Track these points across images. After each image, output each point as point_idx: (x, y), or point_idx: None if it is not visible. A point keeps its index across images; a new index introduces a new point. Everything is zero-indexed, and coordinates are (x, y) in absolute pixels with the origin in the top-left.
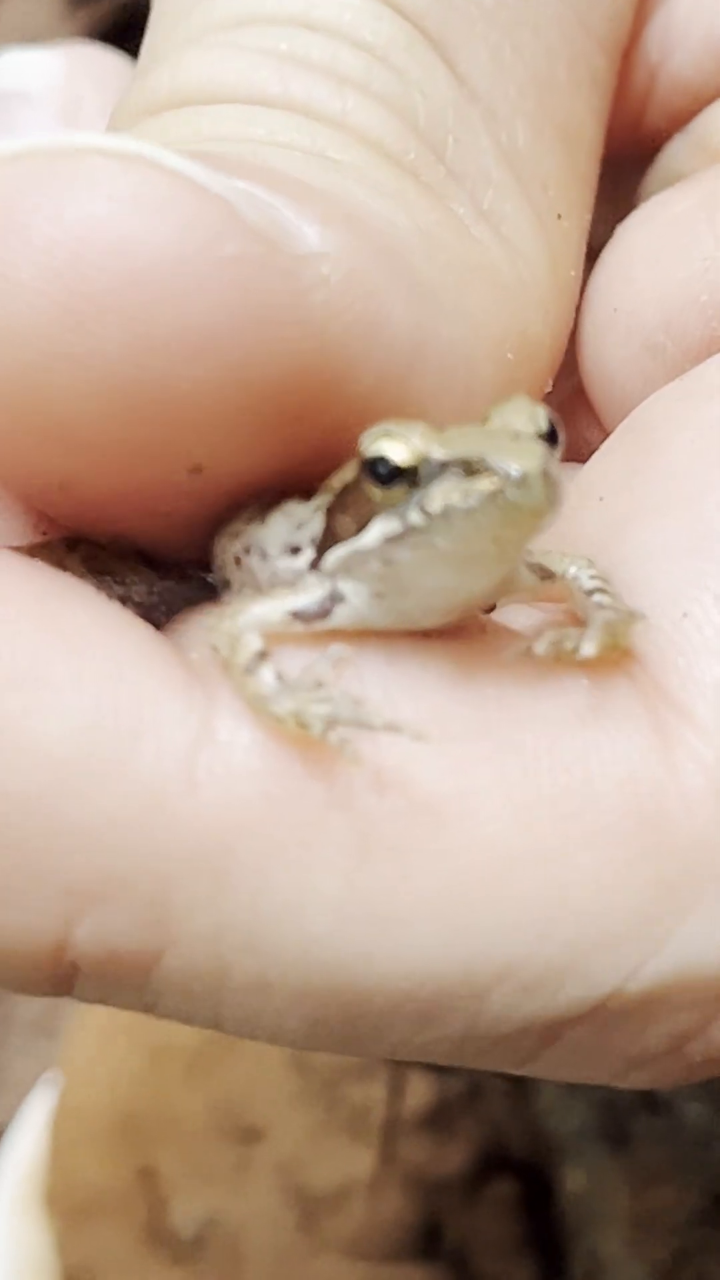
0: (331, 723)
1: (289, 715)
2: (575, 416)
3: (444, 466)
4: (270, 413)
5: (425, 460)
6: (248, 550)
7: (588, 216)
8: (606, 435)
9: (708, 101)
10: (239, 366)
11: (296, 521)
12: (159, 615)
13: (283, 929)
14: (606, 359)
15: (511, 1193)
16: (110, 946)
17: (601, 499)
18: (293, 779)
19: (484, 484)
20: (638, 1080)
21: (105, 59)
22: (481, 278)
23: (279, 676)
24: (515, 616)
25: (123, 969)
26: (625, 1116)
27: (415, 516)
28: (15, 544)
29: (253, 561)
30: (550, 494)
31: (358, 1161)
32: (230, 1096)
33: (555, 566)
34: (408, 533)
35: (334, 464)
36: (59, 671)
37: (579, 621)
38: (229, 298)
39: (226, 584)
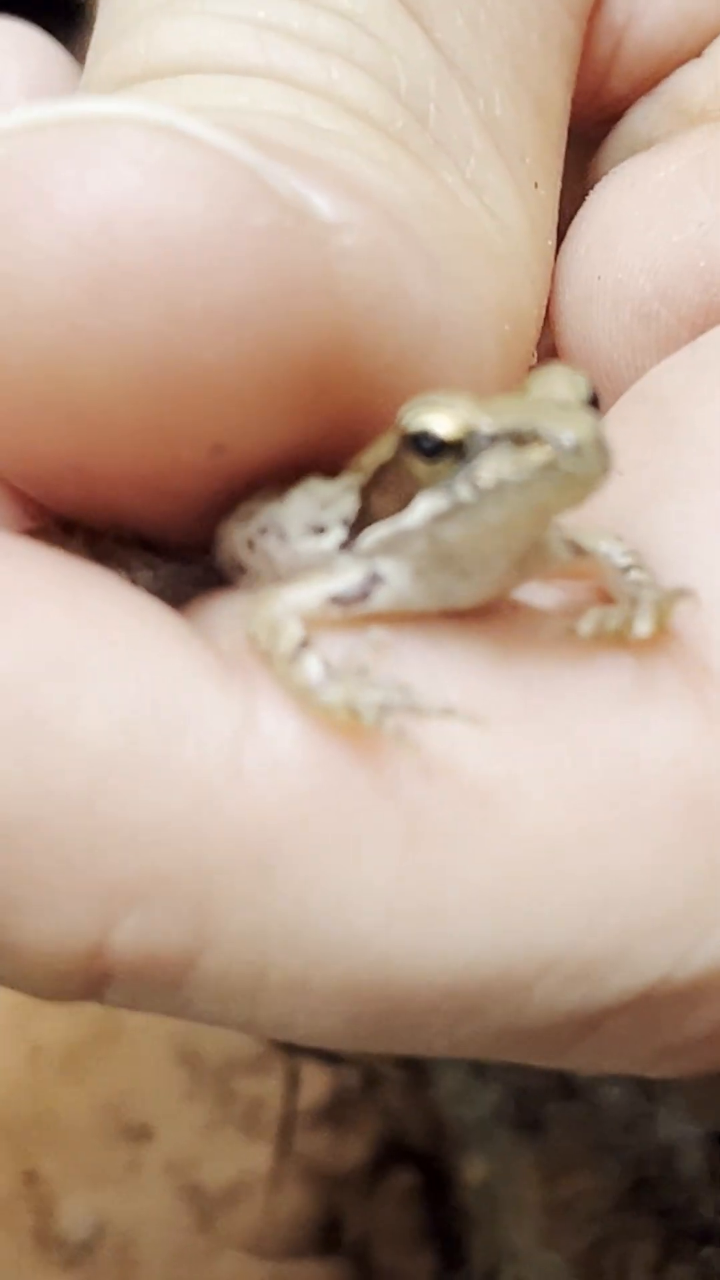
0: (384, 711)
1: (339, 704)
2: None
3: (493, 439)
4: (295, 388)
5: (473, 433)
6: (264, 531)
7: (559, 185)
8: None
9: (675, 65)
10: (268, 340)
11: (321, 501)
12: (164, 601)
13: (328, 925)
14: (592, 328)
15: (411, 1184)
16: (149, 948)
17: (621, 473)
18: (340, 769)
19: (537, 455)
20: (667, 1069)
21: (23, 32)
22: (478, 249)
23: (325, 665)
24: (537, 595)
25: (160, 971)
26: (538, 1103)
27: (465, 492)
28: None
29: (269, 544)
30: (604, 461)
31: (253, 1157)
32: (115, 1095)
33: (587, 543)
34: (456, 509)
35: (350, 442)
36: (97, 662)
37: (606, 599)
38: (260, 269)
39: (239, 569)
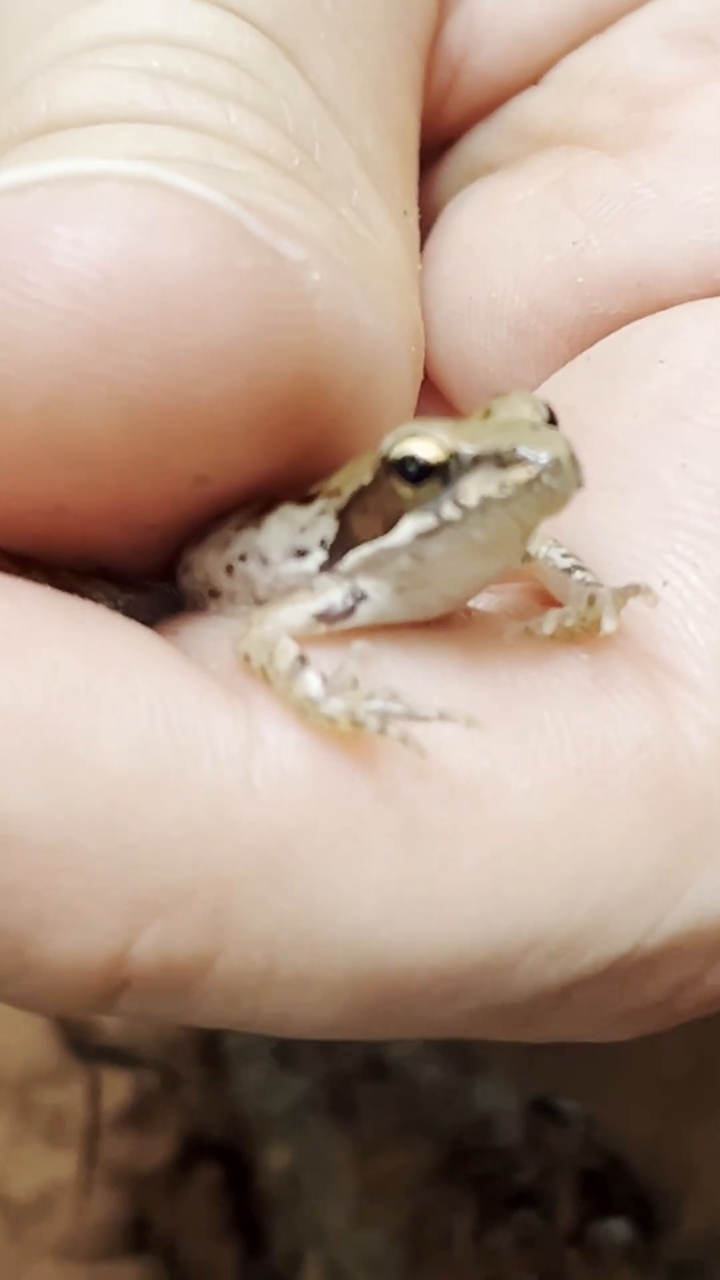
0: (386, 718)
1: (341, 716)
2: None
3: (475, 460)
4: (274, 419)
5: (455, 456)
6: (243, 558)
7: (416, 208)
8: (457, 416)
9: (512, 92)
10: (253, 374)
11: (298, 526)
12: None
13: (335, 921)
14: (465, 346)
15: (215, 1178)
16: (167, 957)
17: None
18: (342, 776)
19: (519, 473)
20: (620, 1032)
21: None
22: (385, 277)
23: (323, 679)
24: (483, 600)
25: (175, 978)
26: (349, 1087)
27: (450, 511)
28: None
29: (250, 568)
30: (578, 476)
31: (59, 1166)
32: None
33: (529, 548)
34: (442, 527)
35: (310, 469)
36: (112, 692)
37: (545, 599)
38: (247, 309)
39: (211, 594)
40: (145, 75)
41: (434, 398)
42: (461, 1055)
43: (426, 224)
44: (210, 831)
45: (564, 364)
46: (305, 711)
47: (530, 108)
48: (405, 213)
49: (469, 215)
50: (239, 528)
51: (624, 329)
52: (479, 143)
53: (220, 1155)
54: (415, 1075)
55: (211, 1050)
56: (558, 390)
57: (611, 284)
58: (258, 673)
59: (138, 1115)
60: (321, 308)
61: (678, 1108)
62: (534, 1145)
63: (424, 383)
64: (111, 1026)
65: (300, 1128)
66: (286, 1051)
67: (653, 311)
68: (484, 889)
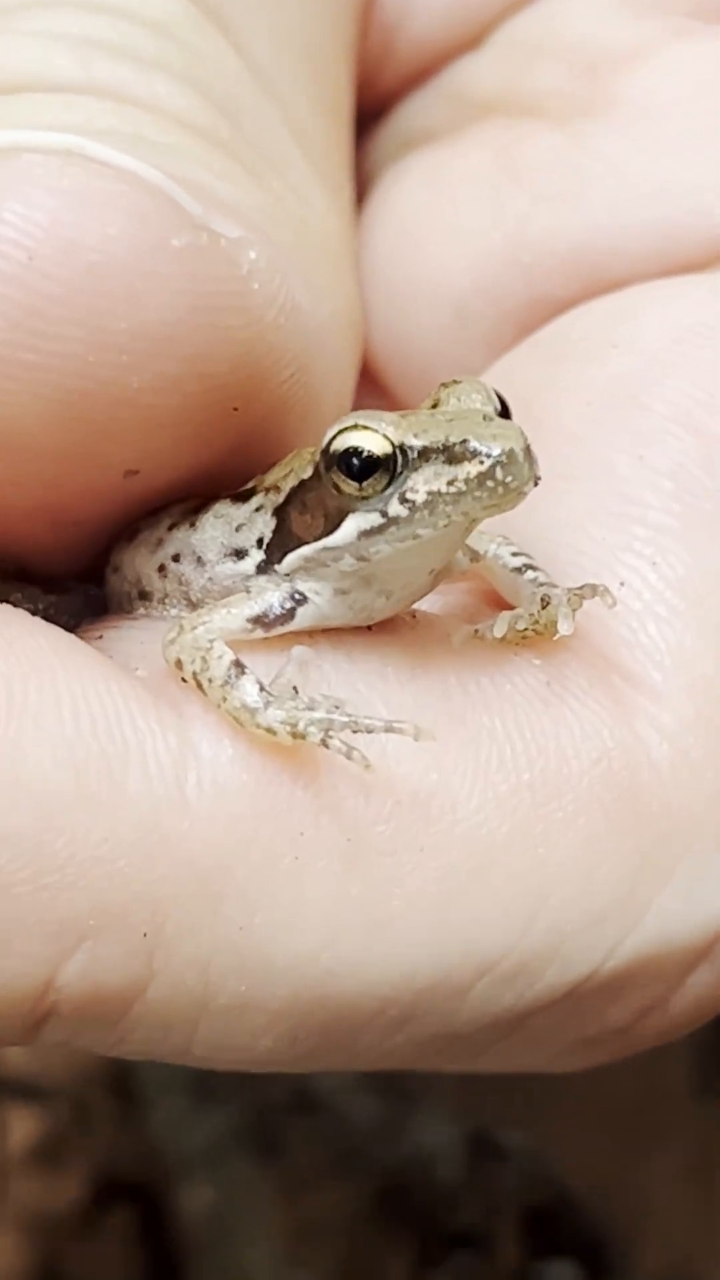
0: (327, 729)
1: (280, 726)
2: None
3: (424, 454)
4: (210, 409)
5: (403, 449)
6: (177, 558)
7: (353, 183)
8: (397, 407)
9: (449, 57)
10: (189, 360)
11: (234, 524)
12: None
13: (275, 945)
14: (404, 329)
15: (130, 1219)
16: (97, 983)
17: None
18: (281, 790)
19: (471, 467)
20: (575, 1062)
21: None
22: (321, 255)
23: (261, 686)
24: (428, 601)
25: (105, 1005)
26: (274, 1123)
27: (396, 508)
28: None
29: (184, 569)
30: (532, 469)
31: None
32: None
33: (477, 546)
34: (388, 524)
35: (246, 463)
36: (36, 702)
37: (495, 600)
38: (181, 291)
39: (141, 596)
40: (63, 41)
41: (370, 387)
42: (397, 1086)
43: (360, 198)
44: (140, 850)
45: (510, 349)
46: (241, 721)
47: (470, 74)
48: (341, 187)
49: (406, 189)
50: (172, 526)
51: (574, 311)
52: (416, 111)
53: (136, 1195)
54: (347, 1107)
55: (125, 1081)
56: (505, 377)
57: (560, 263)
58: (190, 680)
59: (46, 1153)
60: (259, 288)
61: (629, 1139)
62: (475, 1181)
63: (362, 370)
64: (16, 1056)
65: (222, 1164)
66: (207, 1083)
67: (604, 293)
68: (433, 909)
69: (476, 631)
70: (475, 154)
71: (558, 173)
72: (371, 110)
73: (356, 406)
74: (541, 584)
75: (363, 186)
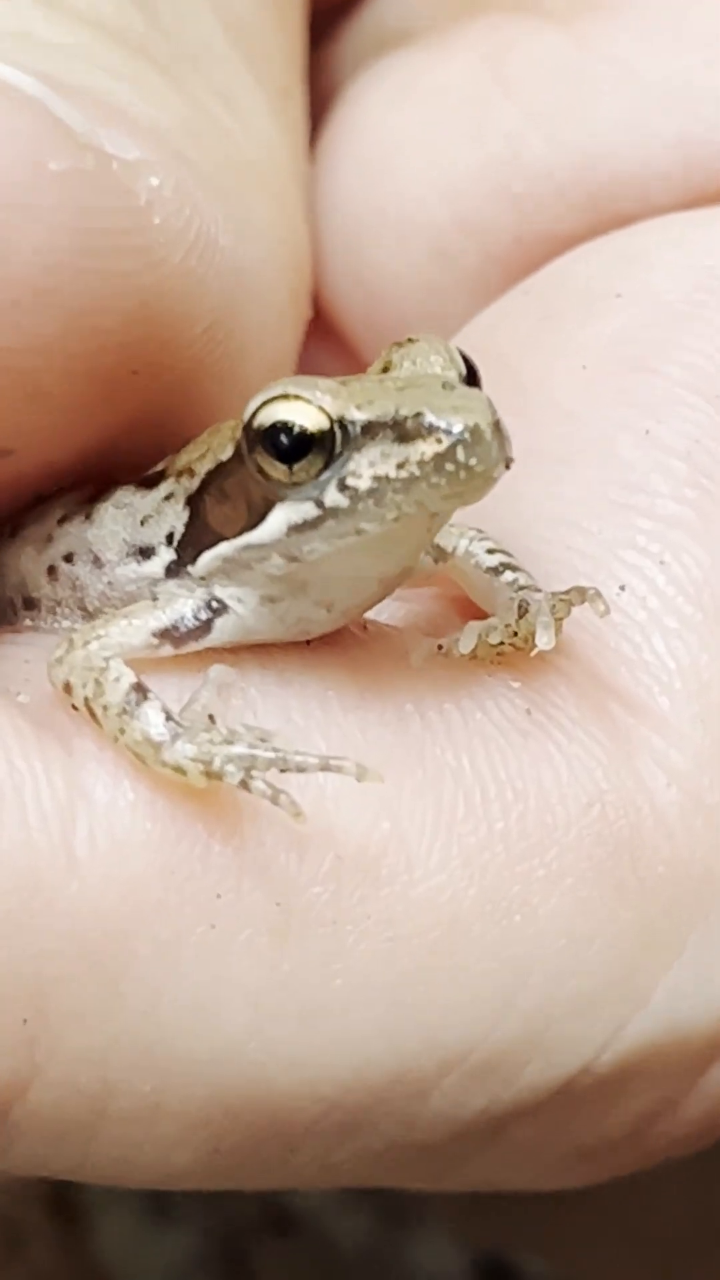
0: (250, 768)
1: (191, 765)
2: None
3: (368, 430)
4: (101, 373)
5: (343, 424)
6: (69, 558)
7: (307, 90)
8: (361, 368)
9: None
10: (71, 314)
11: (139, 516)
12: None
13: (186, 1036)
14: (369, 270)
15: None
16: None
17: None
18: (193, 844)
19: (424, 447)
20: (571, 1178)
21: None
22: (252, 180)
23: (168, 715)
24: (377, 613)
25: None
26: (244, 1246)
27: (335, 497)
28: None
29: (79, 570)
30: (503, 450)
31: None
32: None
33: (443, 542)
34: (325, 517)
35: (154, 441)
36: None
37: (465, 606)
38: (61, 226)
39: (26, 604)
40: None
41: (330, 342)
42: (391, 1201)
43: (320, 111)
44: (17, 919)
45: (497, 296)
46: (144, 758)
47: None
48: (288, 95)
49: (376, 101)
50: (64, 519)
51: (573, 252)
52: (390, 5)
53: None
54: (332, 1227)
55: (65, 1195)
56: (488, 332)
57: (557, 192)
58: (82, 707)
59: None
60: (161, 222)
61: (677, 1269)
62: None
63: (316, 322)
64: None
65: None
66: (162, 1199)
67: (609, 229)
68: (384, 991)
69: (440, 647)
70: (459, 58)
71: (556, 81)
72: (336, 3)
73: (306, 369)
74: (521, 587)
75: (324, 97)
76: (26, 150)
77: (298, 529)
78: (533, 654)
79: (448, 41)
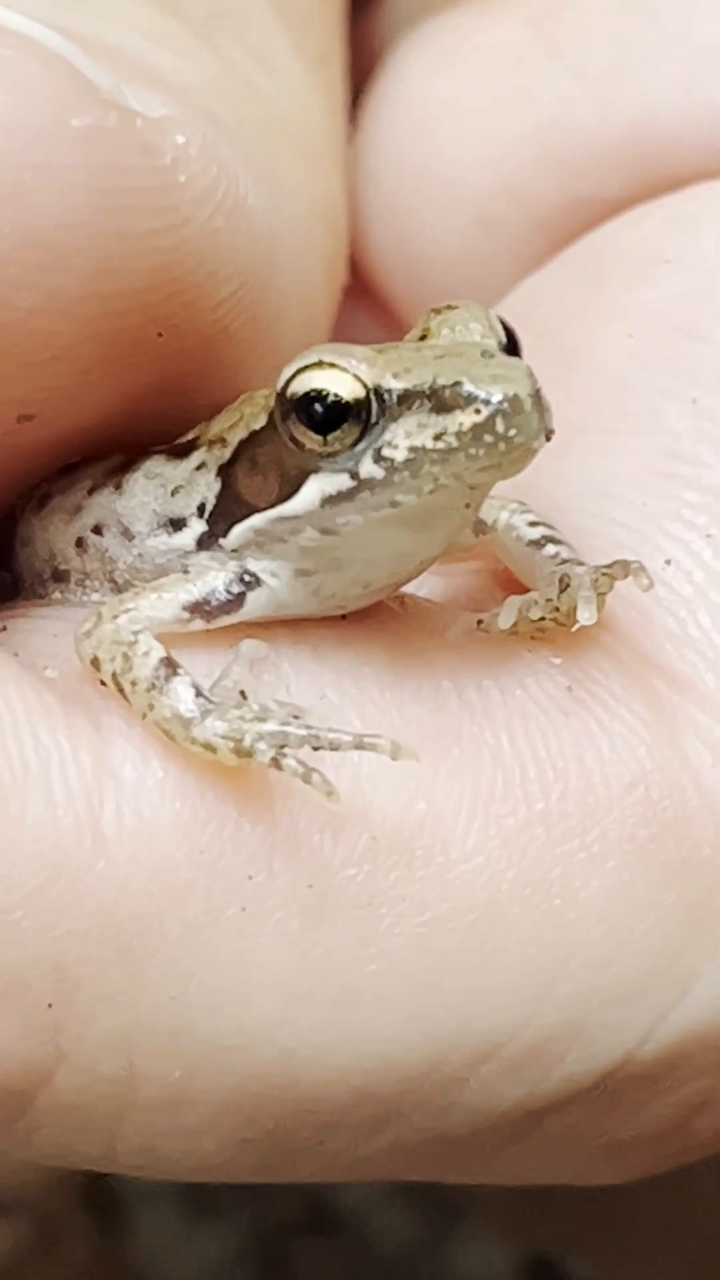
0: (282, 745)
1: (222, 742)
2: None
3: (405, 399)
4: (125, 334)
5: (379, 393)
6: (98, 529)
7: (346, 53)
8: (401, 335)
9: None
10: (92, 275)
11: (169, 486)
12: None
13: (215, 1021)
14: (412, 239)
15: None
16: None
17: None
18: (224, 824)
19: (463, 418)
20: (612, 1173)
21: None
22: (286, 142)
23: (198, 691)
24: (415, 587)
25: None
26: (284, 1245)
27: (370, 468)
28: None
29: (108, 542)
30: (544, 420)
31: None
32: None
33: (487, 515)
34: (359, 489)
35: (184, 408)
36: None
37: (509, 583)
38: (82, 185)
39: (55, 577)
40: None
41: (368, 309)
42: (434, 1199)
43: (363, 76)
44: (42, 899)
45: (542, 263)
46: (173, 735)
47: None
48: (327, 57)
49: (420, 65)
50: (93, 489)
51: (620, 217)
52: None
53: None
54: (374, 1226)
55: (103, 1192)
56: (532, 299)
57: (605, 157)
58: (110, 683)
59: (6, 1277)
60: (187, 180)
61: None
62: None
63: (354, 288)
64: None
65: None
66: (202, 1195)
67: (658, 194)
68: (419, 977)
69: (480, 622)
70: (506, 20)
71: (605, 44)
72: None
73: (342, 337)
74: (563, 561)
75: (367, 61)
76: (48, 106)
77: (332, 501)
78: (574, 629)
79: (494, 3)
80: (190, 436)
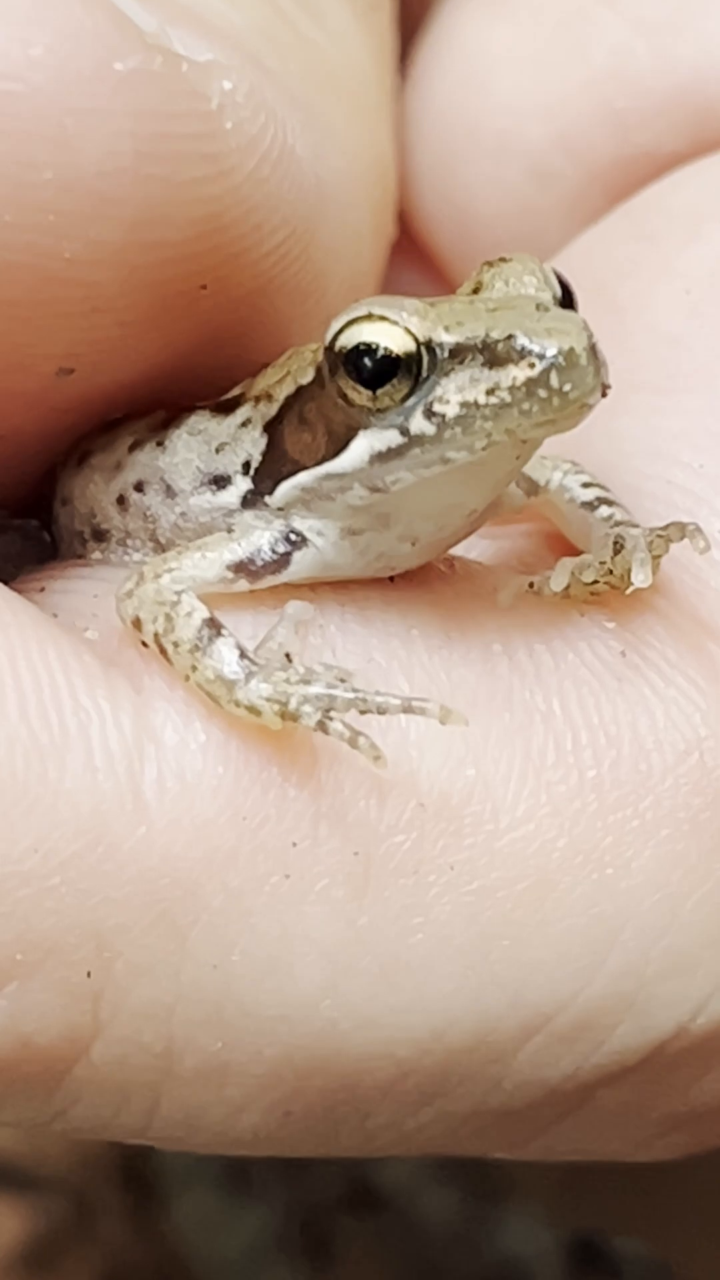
0: (328, 709)
1: (267, 704)
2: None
3: (456, 353)
4: (168, 285)
5: (430, 346)
6: (140, 487)
7: (394, 3)
8: (442, 291)
9: None
10: (135, 224)
11: (214, 443)
12: None
13: (260, 989)
14: (464, 192)
15: None
16: (24, 1038)
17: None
18: (268, 788)
19: (516, 372)
20: (664, 1149)
21: None
22: (335, 90)
23: (243, 653)
24: (465, 549)
25: (35, 1067)
26: (324, 1221)
27: (421, 424)
28: None
29: (150, 500)
30: (599, 375)
31: None
32: None
33: (536, 475)
34: (410, 445)
35: (229, 362)
36: None
37: (561, 545)
38: (126, 131)
39: (96, 535)
40: None
41: (417, 263)
42: (479, 1177)
43: (413, 24)
44: (81, 864)
45: (596, 218)
46: (216, 697)
47: None
48: (374, 6)
49: (473, 15)
50: (135, 445)
51: (677, 173)
52: None
53: None
54: (416, 1205)
55: (139, 1170)
56: (586, 254)
57: (662, 109)
58: (152, 644)
59: (42, 1257)
60: (234, 128)
61: None
62: None
63: (403, 242)
64: (6, 1138)
65: (261, 1275)
66: (242, 1172)
67: (716, 148)
68: (467, 947)
69: (532, 585)
70: None
71: None
72: None
73: (390, 290)
74: (617, 523)
75: (419, 8)
76: (91, 50)
77: (381, 457)
78: (628, 592)
79: None
80: (235, 392)
